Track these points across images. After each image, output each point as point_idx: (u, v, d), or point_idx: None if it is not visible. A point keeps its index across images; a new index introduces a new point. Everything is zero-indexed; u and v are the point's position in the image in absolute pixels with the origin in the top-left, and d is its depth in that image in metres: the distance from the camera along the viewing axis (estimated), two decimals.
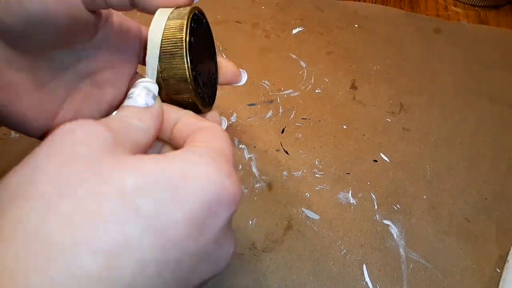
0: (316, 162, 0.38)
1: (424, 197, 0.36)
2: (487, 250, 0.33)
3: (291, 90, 0.45)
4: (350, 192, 0.36)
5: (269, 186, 0.36)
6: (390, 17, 0.55)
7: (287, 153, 0.39)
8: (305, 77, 0.46)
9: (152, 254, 0.14)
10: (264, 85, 0.45)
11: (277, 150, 0.39)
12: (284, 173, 0.37)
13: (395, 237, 0.33)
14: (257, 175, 0.37)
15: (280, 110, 0.42)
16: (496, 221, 0.35)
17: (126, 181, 0.14)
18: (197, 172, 0.15)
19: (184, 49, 0.21)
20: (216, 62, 0.27)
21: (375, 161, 0.39)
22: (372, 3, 0.59)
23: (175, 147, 0.21)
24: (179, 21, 0.21)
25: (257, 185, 0.36)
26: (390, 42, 0.51)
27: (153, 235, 0.14)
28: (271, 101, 0.43)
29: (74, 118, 0.25)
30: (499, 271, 0.32)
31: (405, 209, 0.35)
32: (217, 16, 0.54)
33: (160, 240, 0.14)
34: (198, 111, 0.23)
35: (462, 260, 0.32)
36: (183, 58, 0.21)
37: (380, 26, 0.54)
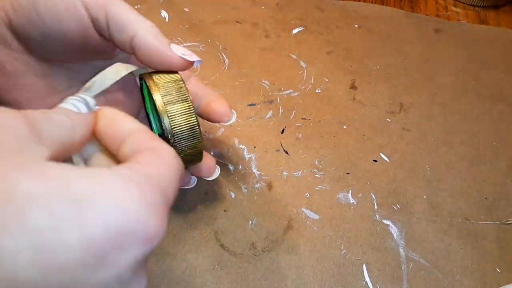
0: (316, 162, 0.38)
1: (424, 197, 0.36)
2: (487, 250, 0.33)
3: (291, 90, 0.45)
4: (350, 192, 0.36)
5: (269, 186, 0.36)
6: (390, 17, 0.55)
7: (287, 153, 0.39)
8: (305, 77, 0.46)
9: (28, 274, 0.12)
10: (264, 85, 0.45)
11: (277, 150, 0.39)
12: (284, 173, 0.37)
13: (395, 237, 0.33)
14: (257, 175, 0.37)
15: (280, 110, 0.42)
16: (496, 221, 0.35)
17: (19, 184, 0.12)
18: (109, 194, 0.13)
19: (199, 131, 0.24)
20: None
21: (375, 161, 0.39)
22: (372, 3, 0.59)
23: (118, 162, 0.18)
24: (185, 104, 0.23)
25: (257, 185, 0.36)
26: (390, 42, 0.51)
27: (36, 253, 0.12)
28: (271, 101, 0.43)
29: None
30: (499, 271, 0.32)
31: (405, 209, 0.35)
32: (217, 16, 0.54)
33: (44, 260, 0.12)
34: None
35: (462, 260, 0.32)
36: (199, 138, 0.24)
37: (380, 26, 0.54)
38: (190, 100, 0.23)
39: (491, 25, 0.56)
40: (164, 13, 0.53)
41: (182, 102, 0.22)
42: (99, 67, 0.24)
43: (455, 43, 0.52)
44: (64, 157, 0.17)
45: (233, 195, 0.35)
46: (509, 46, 0.51)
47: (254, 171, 0.37)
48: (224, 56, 0.48)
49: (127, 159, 0.17)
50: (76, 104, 0.19)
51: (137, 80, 0.27)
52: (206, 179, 0.30)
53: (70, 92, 0.23)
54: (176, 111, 0.22)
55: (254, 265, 0.31)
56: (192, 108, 0.23)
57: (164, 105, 0.22)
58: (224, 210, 0.34)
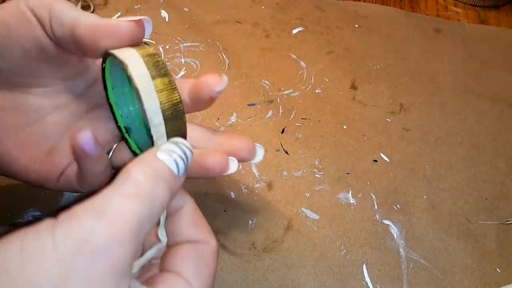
0: (316, 162, 0.38)
1: (424, 197, 0.36)
2: (487, 250, 0.33)
3: (291, 90, 0.45)
4: (350, 192, 0.36)
5: (269, 186, 0.36)
6: (390, 17, 0.55)
7: (287, 153, 0.39)
8: (305, 77, 0.46)
9: None
10: (264, 85, 0.45)
11: (277, 150, 0.39)
12: (284, 173, 0.37)
13: (395, 237, 0.33)
14: (257, 175, 0.37)
15: (280, 110, 0.42)
16: (496, 221, 0.35)
17: None
18: None
19: (183, 110, 0.20)
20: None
21: (375, 161, 0.39)
22: (372, 3, 0.59)
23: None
24: (166, 79, 0.20)
25: (257, 185, 0.36)
26: (390, 42, 0.51)
27: None
28: (271, 101, 0.43)
29: (65, 158, 0.24)
30: (499, 271, 0.32)
31: (405, 209, 0.35)
32: (216, 16, 0.54)
33: None
34: None
35: (462, 260, 0.32)
36: (183, 119, 0.21)
37: (380, 26, 0.54)
38: (170, 74, 0.20)
39: (491, 25, 0.56)
40: (164, 13, 0.53)
41: (162, 77, 0.20)
42: (73, 91, 0.23)
43: (455, 43, 0.52)
44: None
45: (233, 195, 0.35)
46: (510, 46, 0.51)
47: (254, 171, 0.37)
48: (224, 56, 0.48)
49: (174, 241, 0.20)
50: (188, 154, 0.19)
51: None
52: (253, 162, 0.29)
53: (42, 123, 0.22)
54: (157, 88, 0.19)
55: (254, 265, 0.31)
56: (174, 84, 0.20)
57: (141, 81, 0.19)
58: (224, 210, 0.34)
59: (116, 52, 0.20)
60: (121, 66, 0.20)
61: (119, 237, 0.14)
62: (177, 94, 0.20)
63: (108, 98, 0.25)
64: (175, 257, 0.19)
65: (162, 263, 0.20)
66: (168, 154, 0.18)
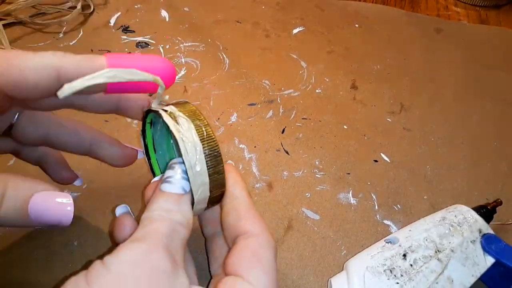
0: (317, 162, 0.38)
1: (425, 197, 0.36)
2: None
3: (291, 90, 0.44)
4: (350, 192, 0.36)
5: (269, 186, 0.36)
6: (391, 17, 0.55)
7: (287, 153, 0.39)
8: (305, 77, 0.46)
9: None
10: (264, 85, 0.45)
11: (278, 150, 0.39)
12: (285, 173, 0.37)
13: None
14: (257, 175, 0.37)
15: (281, 110, 0.42)
16: (497, 222, 0.34)
17: None
18: None
19: (223, 161, 0.22)
20: None
21: (376, 161, 0.38)
22: (372, 2, 0.59)
23: (225, 232, 0.23)
24: (208, 128, 0.22)
25: (257, 185, 0.36)
26: (390, 42, 0.51)
27: None
28: (272, 101, 0.43)
29: None
30: None
31: (406, 209, 0.35)
32: (217, 16, 0.54)
33: None
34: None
35: None
36: (223, 168, 0.23)
37: (380, 26, 0.54)
38: (207, 122, 0.22)
39: (492, 25, 0.56)
40: (164, 13, 0.53)
41: (206, 127, 0.22)
42: None
43: (455, 43, 0.52)
44: None
45: None
46: (510, 46, 0.51)
47: (254, 171, 0.37)
48: (224, 56, 0.48)
49: (232, 239, 0.22)
50: (183, 168, 0.21)
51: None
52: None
53: None
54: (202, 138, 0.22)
55: None
56: (212, 133, 0.22)
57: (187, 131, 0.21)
58: None
59: (162, 114, 0.22)
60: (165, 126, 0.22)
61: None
62: (216, 141, 0.22)
63: (146, 149, 0.27)
64: (234, 259, 0.20)
65: (224, 266, 0.21)
66: (166, 183, 0.21)
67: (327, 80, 0.46)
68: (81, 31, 0.50)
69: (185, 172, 0.21)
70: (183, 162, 0.21)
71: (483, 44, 0.52)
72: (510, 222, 0.35)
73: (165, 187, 0.21)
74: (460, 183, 0.37)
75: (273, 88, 0.45)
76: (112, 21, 0.52)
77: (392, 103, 0.44)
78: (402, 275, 0.26)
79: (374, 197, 0.36)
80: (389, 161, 0.39)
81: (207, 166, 0.21)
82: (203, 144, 0.21)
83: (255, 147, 0.39)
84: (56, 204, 0.22)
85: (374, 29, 0.53)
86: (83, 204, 0.34)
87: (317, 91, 0.45)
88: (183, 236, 0.20)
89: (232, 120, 0.41)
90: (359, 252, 0.31)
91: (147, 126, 0.26)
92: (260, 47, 0.49)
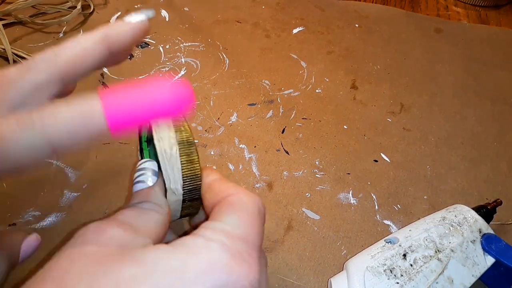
0: (317, 162, 0.38)
1: (425, 197, 0.36)
2: None
3: (291, 90, 0.44)
4: (350, 192, 0.36)
5: (270, 186, 0.36)
6: (391, 16, 0.55)
7: (287, 153, 0.39)
8: (305, 77, 0.46)
9: None
10: (265, 85, 0.45)
11: (278, 150, 0.39)
12: (285, 173, 0.37)
13: None
14: (257, 175, 0.37)
15: (281, 110, 0.42)
16: (497, 222, 0.34)
17: (122, 272, 0.14)
18: (198, 261, 0.15)
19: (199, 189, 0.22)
20: None
21: (376, 161, 0.38)
22: (372, 2, 0.59)
23: (206, 210, 0.22)
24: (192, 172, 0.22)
25: (258, 185, 0.36)
26: (390, 42, 0.51)
27: None
28: (272, 101, 0.43)
29: None
30: None
31: (406, 209, 0.35)
32: (217, 16, 0.54)
33: None
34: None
35: None
36: (197, 158, 0.22)
37: (380, 26, 0.54)
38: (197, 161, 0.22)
39: (492, 25, 0.56)
40: (164, 13, 0.53)
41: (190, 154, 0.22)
42: None
43: (455, 43, 0.52)
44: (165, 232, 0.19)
45: None
46: (510, 46, 0.51)
47: (255, 171, 0.37)
48: (225, 56, 0.48)
49: (211, 208, 0.20)
50: (152, 167, 0.21)
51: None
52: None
53: None
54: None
55: None
56: (188, 127, 0.22)
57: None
58: None
59: (155, 135, 0.21)
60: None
61: None
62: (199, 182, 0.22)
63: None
64: (211, 215, 0.20)
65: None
66: (137, 183, 0.21)
67: (327, 80, 0.46)
68: (81, 31, 0.50)
69: (155, 171, 0.21)
70: (153, 160, 0.21)
71: (483, 44, 0.52)
72: (510, 222, 0.35)
73: (138, 187, 0.21)
74: (460, 183, 0.37)
75: (273, 88, 0.45)
76: (112, 21, 0.52)
77: (392, 103, 0.44)
78: (402, 275, 0.26)
79: (374, 197, 0.36)
80: (389, 161, 0.39)
81: (180, 153, 0.21)
82: (177, 133, 0.21)
83: (255, 147, 0.39)
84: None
85: (374, 29, 0.53)
86: (83, 204, 0.34)
87: (317, 91, 0.45)
88: (153, 218, 0.19)
89: (232, 120, 0.41)
90: (359, 252, 0.31)
91: (144, 145, 0.26)
92: (260, 47, 0.49)
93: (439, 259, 0.27)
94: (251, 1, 0.56)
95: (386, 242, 0.29)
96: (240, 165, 0.37)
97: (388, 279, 0.26)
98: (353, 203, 0.35)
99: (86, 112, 0.16)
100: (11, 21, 0.49)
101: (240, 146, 0.39)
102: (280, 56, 0.48)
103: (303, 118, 0.42)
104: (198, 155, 0.22)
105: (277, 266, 0.31)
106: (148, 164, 0.21)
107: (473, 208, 0.31)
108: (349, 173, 0.37)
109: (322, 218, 0.34)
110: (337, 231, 0.33)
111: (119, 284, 0.14)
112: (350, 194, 0.36)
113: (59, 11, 0.52)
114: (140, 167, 0.22)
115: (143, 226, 0.18)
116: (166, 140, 0.21)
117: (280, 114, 0.42)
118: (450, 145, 0.40)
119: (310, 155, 0.39)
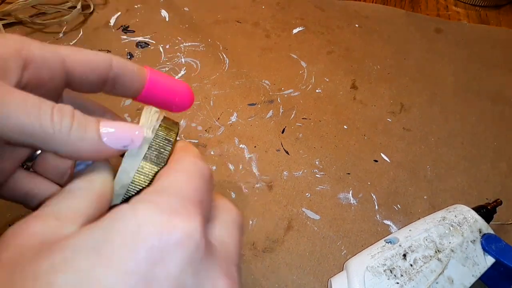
0: (317, 162, 0.38)
1: (425, 197, 0.36)
2: None
3: (291, 90, 0.44)
4: (350, 192, 0.36)
5: (270, 186, 0.36)
6: (391, 16, 0.55)
7: (287, 153, 0.39)
8: (305, 77, 0.46)
9: None
10: (265, 85, 0.45)
11: (278, 150, 0.39)
12: (285, 173, 0.37)
13: None
14: (257, 175, 0.37)
15: (281, 110, 0.42)
16: (497, 222, 0.34)
17: (40, 265, 0.13)
18: (124, 229, 0.14)
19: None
20: None
21: (376, 161, 0.38)
22: (372, 2, 0.59)
23: None
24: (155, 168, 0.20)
25: (257, 185, 0.36)
26: (390, 42, 0.51)
27: None
28: (272, 101, 0.43)
29: None
30: None
31: (406, 209, 0.35)
32: (217, 16, 0.54)
33: None
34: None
35: None
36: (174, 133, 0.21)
37: (380, 26, 0.54)
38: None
39: (492, 25, 0.56)
40: (164, 13, 0.53)
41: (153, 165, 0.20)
42: None
43: (455, 43, 0.52)
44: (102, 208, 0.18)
45: (233, 194, 0.35)
46: (510, 46, 0.51)
47: (255, 171, 0.37)
48: (225, 56, 0.48)
49: None
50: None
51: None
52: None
53: None
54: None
55: (254, 265, 0.31)
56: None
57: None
58: None
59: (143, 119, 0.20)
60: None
61: None
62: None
63: None
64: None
65: None
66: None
67: (327, 80, 0.46)
68: (81, 31, 0.50)
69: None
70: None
71: (483, 44, 0.52)
72: (510, 222, 0.35)
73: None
74: (460, 183, 0.37)
75: (273, 88, 0.45)
76: (112, 21, 0.52)
77: (392, 103, 0.44)
78: (402, 275, 0.26)
79: (374, 197, 0.36)
80: (389, 161, 0.39)
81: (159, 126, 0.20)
82: (160, 127, 0.20)
83: (255, 147, 0.39)
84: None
85: (374, 29, 0.53)
86: None
87: (317, 91, 0.45)
88: (80, 198, 0.17)
89: (232, 120, 0.41)
90: (359, 252, 0.31)
91: None
92: (260, 47, 0.49)
93: (439, 259, 0.27)
94: (251, 1, 0.56)
95: (386, 242, 0.29)
96: (240, 165, 0.37)
97: (388, 279, 0.26)
98: (353, 203, 0.35)
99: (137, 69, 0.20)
100: (11, 21, 0.49)
101: (240, 146, 0.39)
102: (280, 56, 0.48)
103: (303, 118, 0.42)
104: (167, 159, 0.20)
105: (277, 266, 0.31)
106: None
107: (473, 208, 0.31)
108: (349, 173, 0.37)
109: (322, 218, 0.34)
110: (337, 231, 0.33)
111: (36, 278, 0.13)
112: (350, 194, 0.36)
113: (59, 11, 0.52)
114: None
115: (66, 212, 0.16)
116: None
117: (280, 114, 0.42)
118: (450, 145, 0.40)
119: (310, 155, 0.39)
